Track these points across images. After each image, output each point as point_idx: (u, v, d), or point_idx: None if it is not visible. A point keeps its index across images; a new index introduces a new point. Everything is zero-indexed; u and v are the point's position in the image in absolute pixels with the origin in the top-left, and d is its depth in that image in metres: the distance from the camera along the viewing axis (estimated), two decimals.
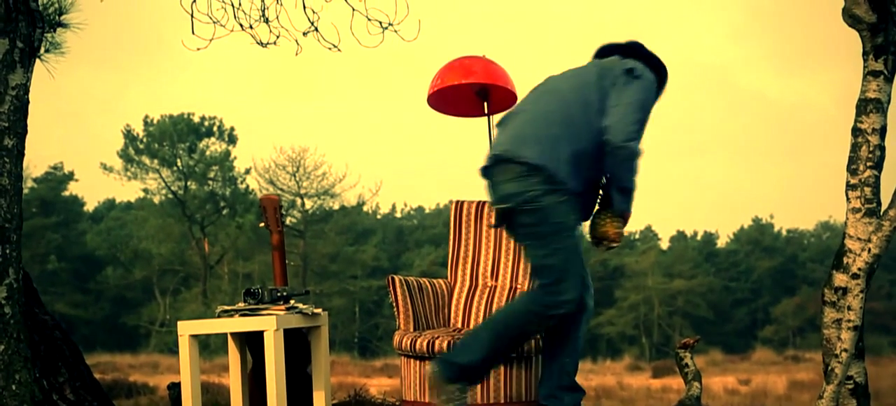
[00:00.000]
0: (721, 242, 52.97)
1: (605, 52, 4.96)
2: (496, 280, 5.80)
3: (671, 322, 46.40)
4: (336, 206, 44.26)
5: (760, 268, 49.40)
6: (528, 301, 4.72)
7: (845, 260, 5.05)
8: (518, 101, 5.00)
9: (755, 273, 49.44)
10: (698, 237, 53.18)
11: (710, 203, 65.21)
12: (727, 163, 65.79)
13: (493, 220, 4.81)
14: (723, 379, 24.60)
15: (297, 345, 5.33)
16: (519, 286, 5.80)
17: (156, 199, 45.32)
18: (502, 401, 5.24)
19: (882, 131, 5.06)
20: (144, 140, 44.83)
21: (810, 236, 52.32)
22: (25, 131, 5.38)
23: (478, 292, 5.81)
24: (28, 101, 5.39)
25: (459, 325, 5.84)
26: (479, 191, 4.94)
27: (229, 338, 5.25)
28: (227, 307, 5.11)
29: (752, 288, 48.91)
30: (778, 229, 52.97)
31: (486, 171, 4.75)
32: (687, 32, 67.63)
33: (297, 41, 6.58)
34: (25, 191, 5.29)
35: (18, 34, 5.31)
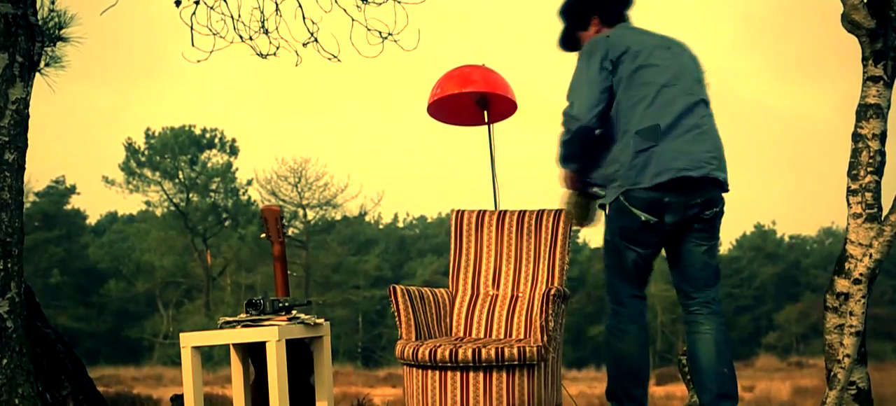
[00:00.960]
0: (723, 249, 52.93)
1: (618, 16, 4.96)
2: (497, 289, 5.80)
3: (674, 329, 46.32)
4: (338, 217, 44.32)
5: (763, 274, 49.35)
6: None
7: (847, 265, 5.04)
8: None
9: (758, 280, 49.40)
10: None
11: None
12: (730, 170, 65.60)
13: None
14: None
15: (300, 355, 5.33)
16: (520, 295, 5.80)
17: (158, 212, 45.36)
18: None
19: (882, 136, 5.05)
20: (146, 153, 44.87)
21: (813, 242, 52.31)
22: (26, 145, 5.39)
23: (479, 301, 5.81)
24: (28, 115, 5.39)
25: (461, 335, 5.84)
26: (480, 200, 4.94)
27: (232, 349, 5.25)
28: (229, 318, 5.11)
29: (755, 294, 48.86)
30: (780, 236, 52.94)
31: (683, 186, 4.70)
32: (686, 42, 67.57)
33: (296, 52, 6.59)
34: (27, 205, 5.29)
35: (18, 48, 5.32)
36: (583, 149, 4.79)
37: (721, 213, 4.83)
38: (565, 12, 5.02)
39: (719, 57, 68.38)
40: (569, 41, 5.03)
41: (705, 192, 4.71)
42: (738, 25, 68.30)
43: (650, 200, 4.63)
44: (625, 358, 4.79)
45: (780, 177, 64.92)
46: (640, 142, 4.64)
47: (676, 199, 4.66)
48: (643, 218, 4.64)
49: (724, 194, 4.83)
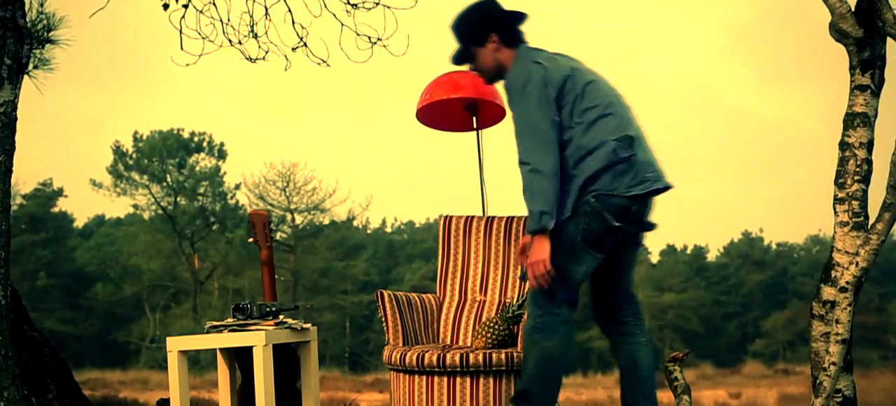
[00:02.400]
0: (711, 256, 53.02)
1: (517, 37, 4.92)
2: (485, 295, 5.81)
3: (661, 336, 46.40)
4: (326, 221, 44.29)
5: (750, 281, 49.44)
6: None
7: (833, 273, 5.06)
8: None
9: (745, 287, 49.48)
10: (688, 251, 53.23)
11: (699, 217, 65.29)
12: (716, 178, 65.93)
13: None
14: (714, 393, 24.62)
15: (287, 360, 5.33)
16: (507, 300, 5.80)
17: (145, 215, 45.29)
18: None
19: (869, 145, 5.07)
20: (134, 156, 44.79)
21: (800, 250, 52.42)
22: (13, 148, 5.38)
23: (467, 307, 5.82)
24: (16, 118, 5.38)
25: (448, 341, 5.84)
26: (468, 206, 4.93)
27: (218, 353, 5.24)
28: (216, 323, 5.11)
29: (743, 302, 48.94)
30: (768, 243, 53.05)
31: (648, 197, 4.78)
32: (673, 51, 67.84)
33: (286, 57, 6.60)
34: (14, 208, 5.26)
35: (6, 50, 5.31)
36: (558, 189, 4.68)
37: None
38: (460, 28, 4.92)
39: (704, 65, 68.60)
40: (463, 56, 4.96)
41: (652, 204, 4.86)
42: (722, 33, 68.47)
43: (621, 207, 4.67)
44: (551, 359, 4.74)
45: (766, 184, 65.07)
46: (620, 149, 4.68)
47: (640, 209, 4.75)
48: (615, 223, 4.66)
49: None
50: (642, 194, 4.70)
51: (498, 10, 4.92)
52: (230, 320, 5.07)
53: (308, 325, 5.22)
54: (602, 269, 4.83)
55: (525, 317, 4.90)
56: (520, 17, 4.94)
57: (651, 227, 4.89)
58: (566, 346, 4.79)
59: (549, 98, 4.67)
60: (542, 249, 4.60)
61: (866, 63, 5.07)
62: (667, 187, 4.80)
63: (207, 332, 5.10)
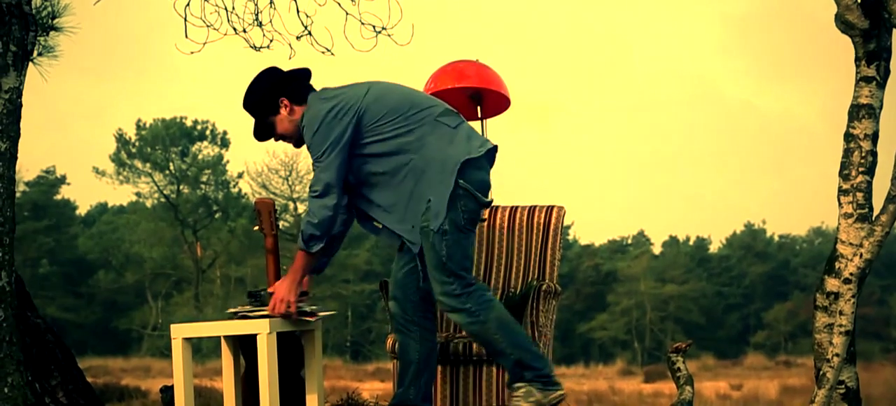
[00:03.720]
0: (713, 248, 53.07)
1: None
2: (488, 284, 5.80)
3: (663, 327, 46.45)
4: None
5: (753, 273, 49.47)
6: None
7: (837, 265, 5.06)
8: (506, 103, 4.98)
9: (747, 278, 49.51)
10: (691, 242, 53.27)
11: (702, 209, 65.34)
12: (719, 170, 65.91)
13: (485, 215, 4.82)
14: (715, 384, 24.64)
15: (291, 348, 5.33)
16: (511, 288, 5.80)
17: (148, 203, 45.34)
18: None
19: (874, 137, 5.07)
20: (137, 144, 44.82)
21: (802, 242, 52.44)
22: (18, 135, 5.38)
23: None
24: (21, 105, 5.38)
25: (451, 330, 5.85)
26: None
27: (222, 341, 5.24)
28: (234, 309, 5.11)
29: (745, 293, 48.98)
30: (770, 235, 53.08)
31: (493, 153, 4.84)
32: (672, 46, 67.97)
33: (290, 45, 6.59)
34: (18, 195, 5.26)
35: (11, 37, 5.31)
36: (335, 222, 4.85)
37: None
38: (251, 105, 5.00)
39: (703, 59, 68.60)
40: (263, 130, 5.01)
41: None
42: (720, 27, 68.51)
43: (483, 181, 4.75)
44: (506, 320, 4.75)
45: (768, 176, 65.11)
46: (447, 119, 4.78)
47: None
48: (485, 199, 4.75)
49: None
50: (491, 150, 4.77)
51: (280, 74, 4.98)
52: (247, 307, 5.07)
53: (327, 313, 5.21)
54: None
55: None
56: (304, 73, 5.01)
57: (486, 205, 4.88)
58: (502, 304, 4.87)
59: (349, 125, 4.74)
60: (295, 271, 4.90)
61: (872, 55, 5.06)
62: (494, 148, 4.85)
63: (226, 318, 5.09)
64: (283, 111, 4.92)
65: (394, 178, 4.79)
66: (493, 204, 5.35)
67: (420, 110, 4.79)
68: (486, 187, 4.76)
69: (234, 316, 5.07)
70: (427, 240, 4.72)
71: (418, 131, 4.75)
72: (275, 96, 4.92)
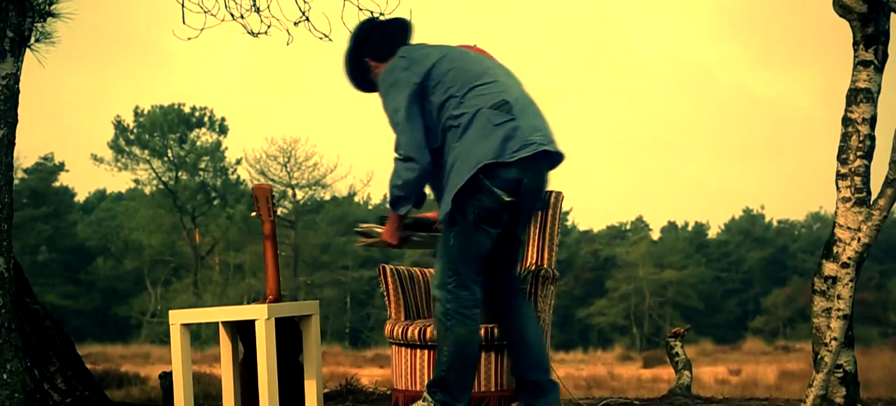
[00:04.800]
0: (712, 233, 53.07)
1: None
2: None
3: (662, 312, 46.48)
4: (327, 197, 44.31)
5: (751, 258, 49.49)
6: None
7: (835, 249, 5.06)
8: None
9: (746, 264, 49.53)
10: (689, 228, 53.27)
11: (700, 194, 65.35)
12: (715, 156, 65.94)
13: (506, 197, 4.70)
14: (713, 369, 24.67)
15: (289, 334, 5.34)
16: None
17: (146, 190, 45.31)
18: (494, 389, 5.25)
19: (872, 121, 5.07)
20: (135, 131, 44.78)
21: (801, 227, 52.45)
22: (16, 121, 5.38)
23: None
24: (18, 91, 5.38)
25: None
26: None
27: (220, 327, 5.25)
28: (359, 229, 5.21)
29: (743, 278, 49.01)
30: (769, 220, 53.08)
31: (538, 165, 4.75)
32: (666, 31, 67.93)
33: (288, 31, 6.57)
34: (16, 182, 5.27)
35: (8, 23, 5.30)
36: (423, 184, 4.81)
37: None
38: (348, 74, 5.04)
39: (697, 44, 68.56)
40: (371, 87, 5.01)
41: (546, 171, 4.82)
42: (715, 12, 68.46)
43: (511, 181, 4.66)
44: (466, 344, 4.75)
45: (766, 161, 65.11)
46: (494, 115, 4.67)
47: (532, 181, 4.72)
48: (506, 198, 4.66)
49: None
50: (529, 157, 4.64)
51: (364, 33, 5.00)
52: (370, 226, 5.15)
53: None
54: (496, 241, 4.84)
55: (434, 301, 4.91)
56: (392, 26, 5.02)
57: (545, 202, 4.87)
58: (478, 332, 4.81)
59: (416, 83, 4.72)
60: (391, 222, 4.91)
61: (870, 39, 5.06)
62: (557, 154, 4.78)
63: (225, 304, 5.12)
64: (374, 70, 4.93)
65: (439, 157, 4.78)
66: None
67: (474, 97, 4.71)
68: (512, 186, 4.66)
69: (354, 230, 5.18)
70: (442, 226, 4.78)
71: (463, 120, 4.69)
72: (360, 57, 4.94)
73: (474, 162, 4.62)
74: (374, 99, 4.96)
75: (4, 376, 5.18)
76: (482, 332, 5.18)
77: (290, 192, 43.06)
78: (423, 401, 4.84)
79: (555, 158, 4.81)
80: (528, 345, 4.93)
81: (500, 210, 4.68)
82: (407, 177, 4.72)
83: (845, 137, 5.09)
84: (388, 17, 5.18)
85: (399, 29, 5.00)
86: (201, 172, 45.34)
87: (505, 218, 4.73)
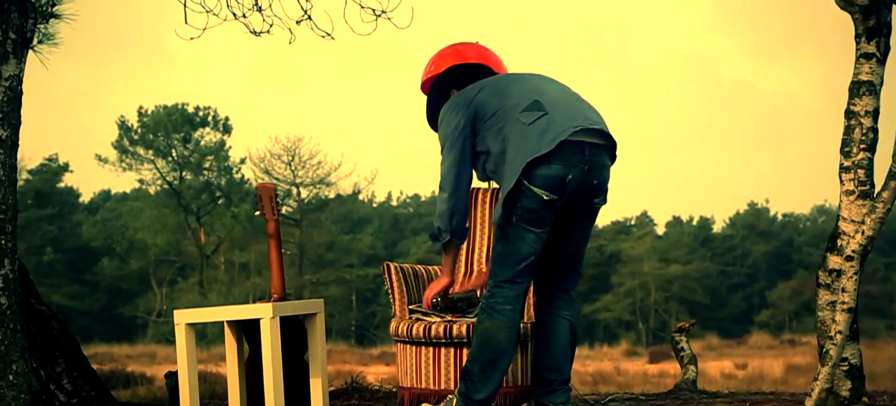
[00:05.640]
0: (717, 227, 53.04)
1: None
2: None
3: (667, 307, 46.45)
4: (332, 195, 44.29)
5: (756, 252, 49.44)
6: None
7: (839, 242, 5.06)
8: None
9: (751, 258, 49.49)
10: (694, 222, 53.24)
11: (705, 189, 65.34)
12: (720, 150, 65.93)
13: (546, 197, 4.70)
14: (719, 363, 24.65)
15: (294, 333, 5.34)
16: None
17: (151, 190, 45.34)
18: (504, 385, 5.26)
19: (875, 113, 5.06)
20: (139, 131, 44.81)
21: (806, 220, 52.40)
22: (19, 122, 5.39)
23: (473, 279, 5.82)
24: (21, 92, 5.39)
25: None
26: (473, 178, 4.93)
27: (226, 326, 5.26)
28: (414, 306, 5.42)
29: (748, 272, 48.96)
30: (773, 214, 53.03)
31: (594, 147, 4.74)
32: (665, 24, 67.90)
33: (290, 30, 6.58)
34: (20, 183, 5.26)
35: (11, 25, 5.31)
36: (458, 214, 4.87)
37: (606, 193, 4.90)
38: (431, 112, 5.13)
39: (699, 38, 68.51)
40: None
41: (603, 162, 4.79)
42: (715, 6, 68.40)
43: (553, 178, 4.65)
44: (489, 338, 4.77)
45: (769, 155, 65.06)
46: (525, 116, 4.71)
47: (580, 176, 4.70)
48: (547, 197, 4.66)
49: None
50: (571, 149, 4.64)
51: (455, 68, 5.14)
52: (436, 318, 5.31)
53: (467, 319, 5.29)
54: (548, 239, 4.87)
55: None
56: (479, 68, 5.13)
57: (601, 196, 4.82)
58: (509, 326, 4.80)
59: (461, 119, 4.81)
60: (442, 267, 4.98)
61: (872, 31, 5.05)
62: (606, 139, 4.78)
63: (230, 303, 5.16)
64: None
65: (494, 176, 4.87)
66: (494, 186, 5.34)
67: (509, 108, 4.76)
68: (554, 184, 4.65)
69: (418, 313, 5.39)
70: None
71: (504, 131, 4.74)
72: (447, 89, 5.08)
73: (518, 164, 4.64)
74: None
75: (10, 377, 5.19)
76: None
77: (294, 190, 43.06)
78: (452, 395, 4.90)
79: (605, 147, 4.80)
80: (552, 347, 4.94)
81: (542, 209, 4.68)
82: (440, 208, 4.83)
83: (848, 130, 5.08)
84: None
85: (483, 72, 5.13)
86: (206, 172, 45.37)
87: (550, 217, 4.73)
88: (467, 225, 4.97)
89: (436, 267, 5.87)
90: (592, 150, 4.72)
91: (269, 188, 5.29)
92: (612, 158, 4.87)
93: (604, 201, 4.87)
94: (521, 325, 5.19)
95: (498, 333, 4.77)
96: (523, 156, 4.63)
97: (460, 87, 4.99)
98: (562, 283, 4.97)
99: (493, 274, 4.80)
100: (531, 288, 5.06)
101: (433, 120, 5.08)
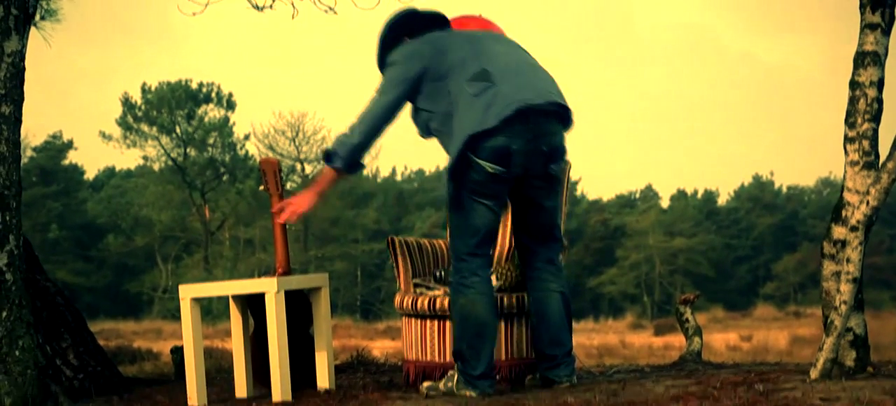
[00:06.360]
0: (722, 200, 53.05)
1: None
2: (494, 239, 5.79)
3: (672, 280, 46.51)
4: None
5: (761, 225, 49.46)
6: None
7: (844, 213, 5.05)
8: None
9: (756, 230, 49.51)
10: (699, 195, 53.24)
11: (710, 161, 65.27)
12: (725, 122, 65.81)
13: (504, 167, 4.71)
14: (725, 336, 24.69)
15: (299, 307, 5.35)
16: (514, 246, 5.79)
17: (155, 167, 45.40)
18: (504, 358, 5.26)
19: (880, 84, 5.05)
20: (143, 107, 44.81)
21: (811, 193, 52.39)
22: (22, 98, 5.38)
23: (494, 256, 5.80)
24: (24, 69, 5.38)
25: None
26: None
27: (231, 301, 5.26)
28: (418, 280, 5.40)
29: (753, 245, 48.99)
30: (778, 186, 53.03)
31: (540, 115, 4.71)
32: None
33: (293, 4, 6.57)
34: (25, 160, 5.31)
35: (13, 0, 5.30)
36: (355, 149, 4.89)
37: (566, 165, 4.91)
38: (381, 46, 5.03)
39: (703, 11, 68.32)
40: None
41: (552, 129, 4.74)
42: None
43: (498, 149, 4.64)
44: (467, 314, 4.79)
45: (774, 127, 64.96)
46: (471, 86, 4.68)
47: (528, 145, 4.67)
48: (491, 169, 4.66)
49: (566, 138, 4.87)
50: (516, 119, 4.61)
51: (410, 17, 5.00)
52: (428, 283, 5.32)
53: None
54: (515, 210, 4.90)
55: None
56: (433, 18, 5.02)
57: (557, 162, 4.79)
58: (483, 296, 4.81)
59: (412, 71, 4.76)
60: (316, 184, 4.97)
61: (877, 1, 5.03)
62: (556, 109, 4.74)
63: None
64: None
65: (437, 137, 4.85)
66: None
67: (458, 73, 4.73)
68: (498, 155, 4.64)
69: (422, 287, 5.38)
70: None
71: (451, 97, 4.72)
72: (399, 35, 4.95)
73: (460, 138, 4.64)
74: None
75: (17, 353, 5.20)
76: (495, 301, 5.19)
77: (298, 166, 43.09)
78: (450, 372, 4.91)
79: (557, 115, 4.77)
80: (548, 320, 4.94)
81: (490, 182, 4.70)
82: (350, 139, 4.82)
83: (853, 101, 5.07)
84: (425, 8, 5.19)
85: (440, 22, 5.03)
86: (210, 148, 45.41)
87: (502, 190, 4.75)
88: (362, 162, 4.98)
89: (441, 241, 5.88)
90: (538, 118, 4.69)
91: (273, 163, 5.29)
92: (566, 124, 4.83)
93: (560, 168, 4.85)
94: (516, 297, 5.20)
95: (474, 307, 4.79)
96: (467, 129, 4.63)
97: (413, 36, 4.92)
98: (544, 253, 4.97)
99: (454, 248, 4.83)
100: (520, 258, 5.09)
101: (383, 56, 5.00)
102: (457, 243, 4.82)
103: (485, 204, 4.75)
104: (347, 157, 4.83)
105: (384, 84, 4.82)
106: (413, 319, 5.41)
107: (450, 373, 4.91)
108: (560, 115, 4.78)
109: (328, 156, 4.88)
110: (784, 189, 52.77)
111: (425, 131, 4.88)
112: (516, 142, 4.65)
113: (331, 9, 6.54)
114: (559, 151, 4.80)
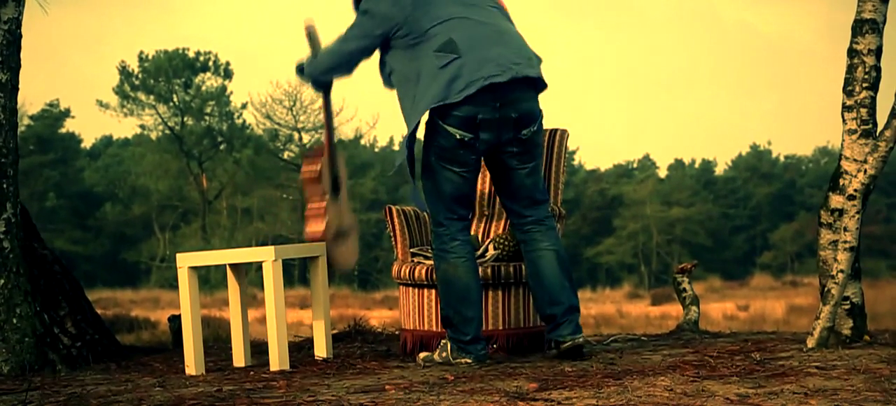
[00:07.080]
0: (719, 170, 53.04)
1: None
2: (492, 208, 5.81)
3: (670, 250, 46.55)
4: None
5: (759, 194, 49.48)
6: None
7: (841, 181, 5.05)
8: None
9: (753, 200, 49.52)
10: (696, 165, 53.23)
11: (707, 131, 65.27)
12: (722, 91, 65.79)
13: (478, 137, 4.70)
14: (722, 305, 24.72)
15: None
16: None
17: (153, 136, 45.34)
18: (502, 327, 5.27)
19: (878, 52, 5.04)
20: (140, 76, 44.72)
21: (808, 162, 52.39)
22: (19, 65, 5.37)
23: (474, 221, 5.82)
24: (21, 36, 5.36)
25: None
26: None
27: (228, 270, 5.26)
28: (416, 249, 5.44)
29: (751, 214, 49.02)
30: (776, 156, 53.01)
31: (507, 83, 4.68)
32: None
33: None
34: (22, 128, 5.28)
35: None
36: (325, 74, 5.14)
37: (540, 128, 4.86)
38: None
39: None
40: None
41: (522, 96, 4.72)
42: None
43: (464, 117, 4.65)
44: (450, 279, 4.83)
45: (771, 97, 64.92)
46: (438, 58, 4.66)
47: (495, 113, 4.67)
48: (459, 136, 4.68)
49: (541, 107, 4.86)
50: (482, 90, 4.61)
51: None
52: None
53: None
54: (495, 177, 4.92)
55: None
56: None
57: (530, 127, 4.77)
58: (464, 261, 4.84)
59: (384, 27, 4.77)
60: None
61: None
62: (523, 78, 4.71)
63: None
64: None
65: (398, 92, 4.87)
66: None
67: (426, 40, 4.70)
68: (465, 123, 4.65)
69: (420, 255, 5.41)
70: None
71: (417, 62, 4.72)
72: None
73: (421, 107, 4.66)
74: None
75: (14, 321, 5.20)
76: (489, 271, 5.20)
77: (296, 135, 43.01)
78: (443, 341, 4.92)
79: (526, 81, 4.74)
80: (542, 281, 4.91)
81: (458, 148, 4.71)
82: (319, 65, 5.05)
83: (851, 69, 5.06)
84: None
85: None
86: (207, 117, 45.32)
87: (470, 158, 4.74)
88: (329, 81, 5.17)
89: None
90: (503, 87, 4.66)
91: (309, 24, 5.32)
92: (538, 88, 4.82)
93: (533, 131, 4.81)
94: (513, 266, 5.20)
95: (456, 272, 4.82)
96: (427, 101, 4.64)
97: None
98: (532, 215, 4.95)
99: (431, 214, 4.89)
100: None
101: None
102: (433, 209, 4.87)
103: (453, 170, 4.77)
104: (312, 76, 5.16)
105: (350, 31, 4.88)
106: (410, 289, 5.41)
107: (442, 342, 4.91)
108: (530, 81, 4.77)
109: (300, 70, 5.18)
110: (781, 158, 52.77)
111: (387, 83, 4.92)
112: (484, 110, 4.67)
113: None
114: (530, 116, 4.78)
